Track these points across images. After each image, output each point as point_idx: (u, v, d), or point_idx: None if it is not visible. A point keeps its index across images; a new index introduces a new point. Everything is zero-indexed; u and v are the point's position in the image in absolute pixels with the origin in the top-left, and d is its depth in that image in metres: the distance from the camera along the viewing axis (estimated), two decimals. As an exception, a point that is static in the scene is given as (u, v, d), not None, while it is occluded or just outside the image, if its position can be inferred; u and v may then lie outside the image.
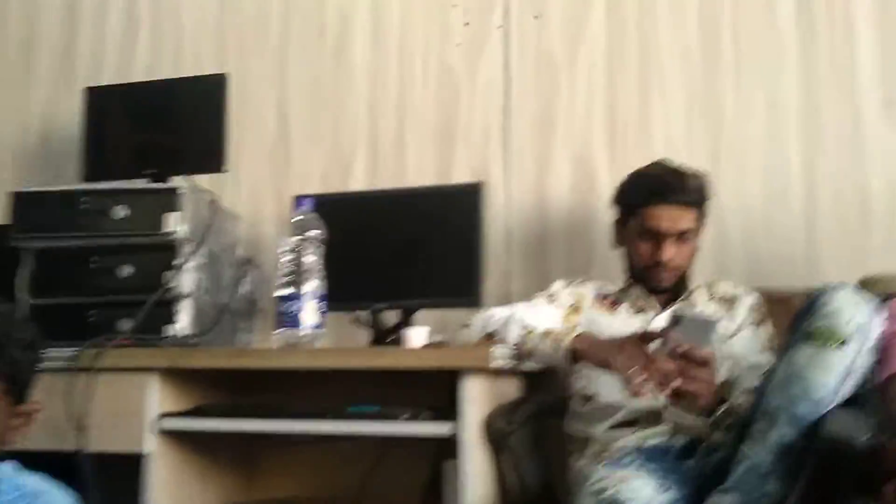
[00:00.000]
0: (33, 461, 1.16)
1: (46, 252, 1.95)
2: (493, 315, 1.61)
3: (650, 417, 1.54)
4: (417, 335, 1.70)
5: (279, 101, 2.40)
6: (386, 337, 1.95)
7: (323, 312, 1.72)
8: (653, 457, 1.42)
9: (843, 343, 1.25)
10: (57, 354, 1.65)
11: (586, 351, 1.43)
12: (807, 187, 1.97)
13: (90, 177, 2.15)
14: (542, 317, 1.65)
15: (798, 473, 1.22)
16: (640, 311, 1.71)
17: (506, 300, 2.06)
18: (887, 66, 1.95)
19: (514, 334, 1.52)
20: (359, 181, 2.30)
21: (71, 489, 1.17)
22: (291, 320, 1.68)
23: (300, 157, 2.36)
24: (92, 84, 2.30)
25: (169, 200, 1.89)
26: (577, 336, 1.47)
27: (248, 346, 2.12)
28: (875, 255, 1.88)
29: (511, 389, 1.70)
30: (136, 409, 1.70)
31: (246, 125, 2.38)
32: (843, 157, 1.96)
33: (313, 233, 1.74)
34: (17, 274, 1.93)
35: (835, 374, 1.25)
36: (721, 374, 1.55)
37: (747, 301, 1.70)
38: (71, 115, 2.33)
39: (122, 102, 2.24)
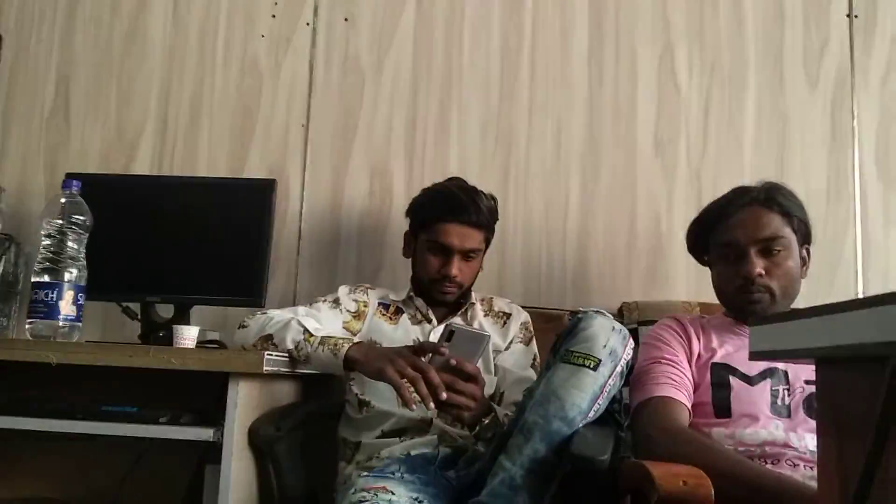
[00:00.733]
0: None
1: None
2: (273, 317, 1.58)
3: (419, 427, 1.58)
4: (188, 333, 1.62)
5: (60, 67, 2.22)
6: (156, 331, 1.85)
7: (80, 305, 1.59)
8: (416, 467, 1.45)
9: (596, 366, 1.34)
10: None
11: (362, 360, 1.44)
12: (582, 215, 2.10)
13: None
14: (324, 322, 1.65)
15: (547, 488, 1.29)
16: (419, 322, 1.75)
17: (290, 302, 2.03)
18: (662, 112, 2.13)
19: (291, 339, 1.50)
20: (144, 165, 2.17)
21: None
22: (48, 310, 1.54)
23: (79, 133, 2.19)
24: None
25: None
26: (354, 344, 1.47)
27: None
28: (637, 283, 2.05)
29: (286, 393, 1.67)
30: None
31: (21, 89, 2.18)
32: (616, 189, 2.11)
33: (77, 217, 1.59)
34: None
35: (588, 394, 1.34)
36: (489, 388, 1.62)
37: (520, 318, 1.80)
38: None
39: None
